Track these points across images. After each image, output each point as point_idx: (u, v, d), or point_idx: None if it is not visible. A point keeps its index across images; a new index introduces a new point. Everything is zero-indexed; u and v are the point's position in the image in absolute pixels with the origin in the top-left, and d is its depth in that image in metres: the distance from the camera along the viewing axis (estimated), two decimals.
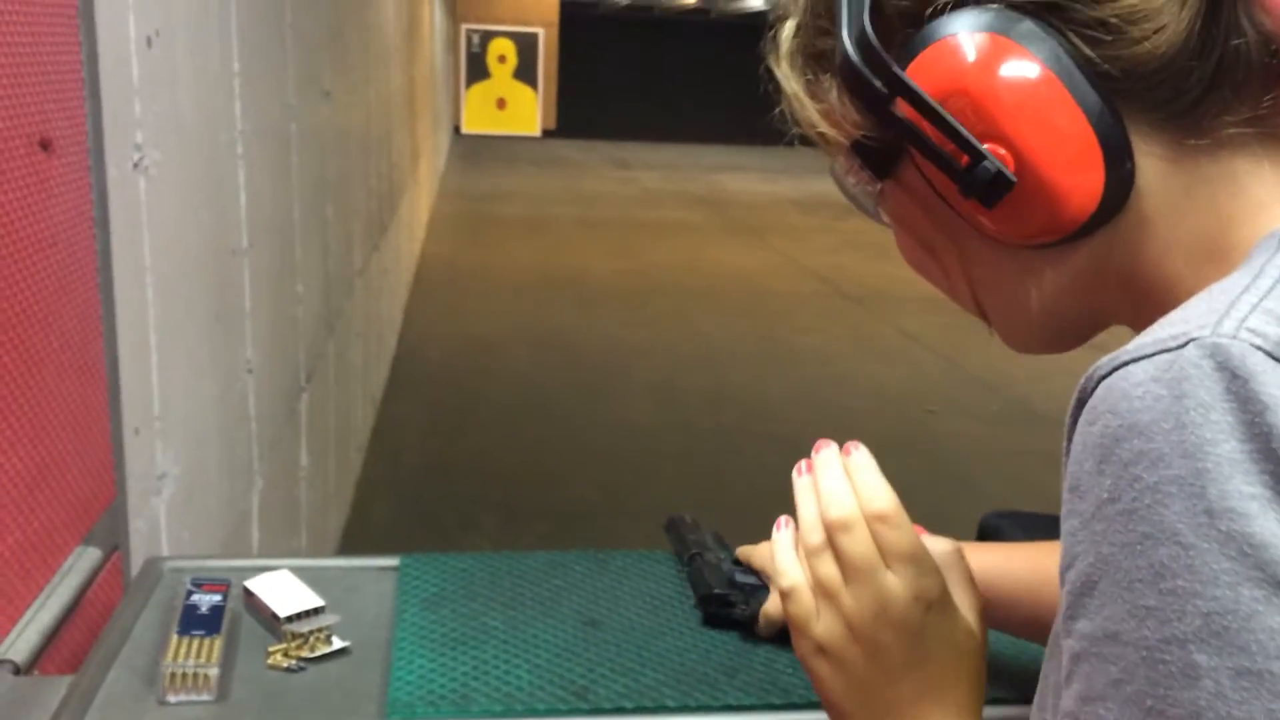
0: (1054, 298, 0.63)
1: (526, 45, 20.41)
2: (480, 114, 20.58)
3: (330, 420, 3.30)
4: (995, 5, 0.57)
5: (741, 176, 16.22)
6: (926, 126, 0.59)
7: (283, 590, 1.05)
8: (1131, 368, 0.48)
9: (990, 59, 0.57)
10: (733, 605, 1.07)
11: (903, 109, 0.59)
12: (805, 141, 0.69)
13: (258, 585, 1.06)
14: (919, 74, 0.58)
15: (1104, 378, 0.49)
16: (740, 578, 1.09)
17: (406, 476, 4.28)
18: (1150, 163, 0.58)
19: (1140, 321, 0.60)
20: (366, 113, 4.38)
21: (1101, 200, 0.58)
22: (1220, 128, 0.57)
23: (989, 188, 0.58)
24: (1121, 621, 0.46)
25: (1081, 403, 0.50)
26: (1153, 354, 0.48)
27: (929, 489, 4.14)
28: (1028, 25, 0.57)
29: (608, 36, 22.62)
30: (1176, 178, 0.58)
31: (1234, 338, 0.46)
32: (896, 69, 0.58)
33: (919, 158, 0.61)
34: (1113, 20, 0.55)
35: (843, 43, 0.59)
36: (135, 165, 1.37)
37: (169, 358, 1.51)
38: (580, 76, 21.28)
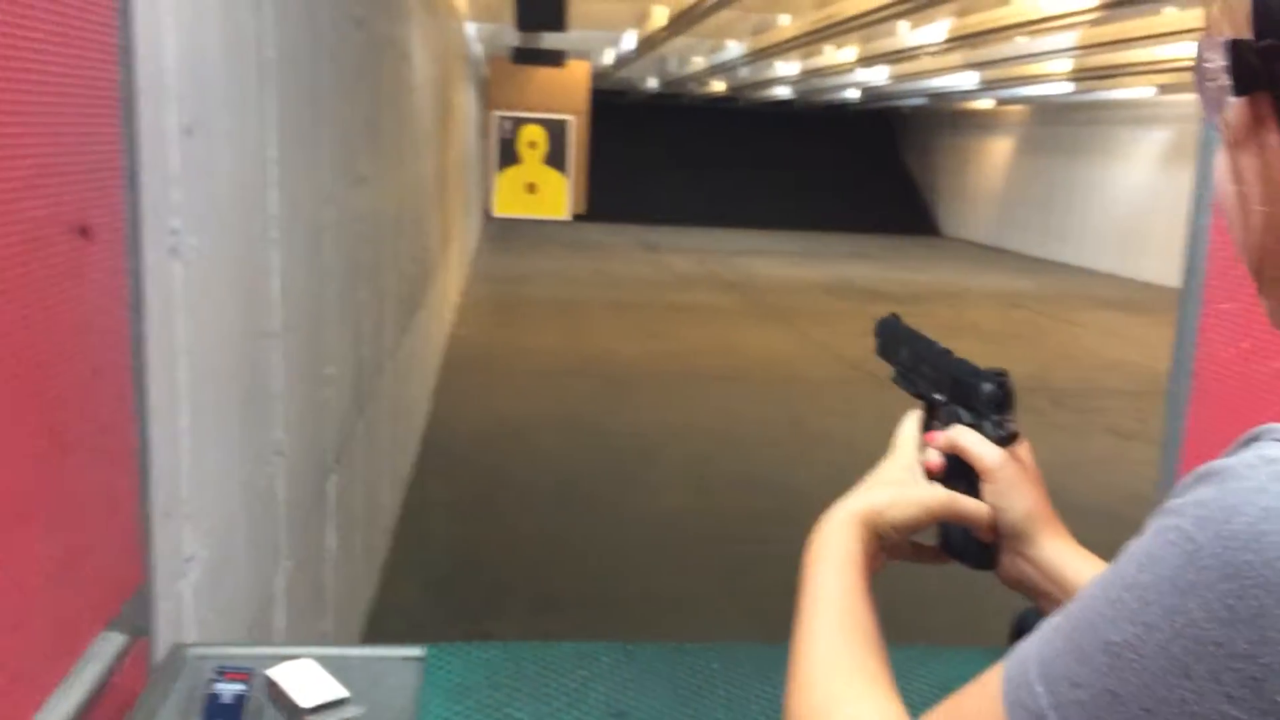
0: None
1: (557, 131, 20.74)
2: (511, 198, 20.86)
3: (358, 502, 3.29)
4: None
5: (770, 260, 16.31)
6: None
7: (306, 680, 1.04)
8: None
9: None
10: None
11: None
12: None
13: (281, 675, 1.05)
14: None
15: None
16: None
17: (433, 560, 4.26)
18: None
19: None
20: (400, 197, 4.45)
21: None
22: None
23: None
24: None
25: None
26: None
27: (960, 579, 4.05)
28: None
29: (637, 123, 23.01)
30: None
31: None
32: None
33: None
34: None
35: None
36: (172, 251, 1.39)
37: (200, 441, 1.51)
38: (610, 162, 21.58)
